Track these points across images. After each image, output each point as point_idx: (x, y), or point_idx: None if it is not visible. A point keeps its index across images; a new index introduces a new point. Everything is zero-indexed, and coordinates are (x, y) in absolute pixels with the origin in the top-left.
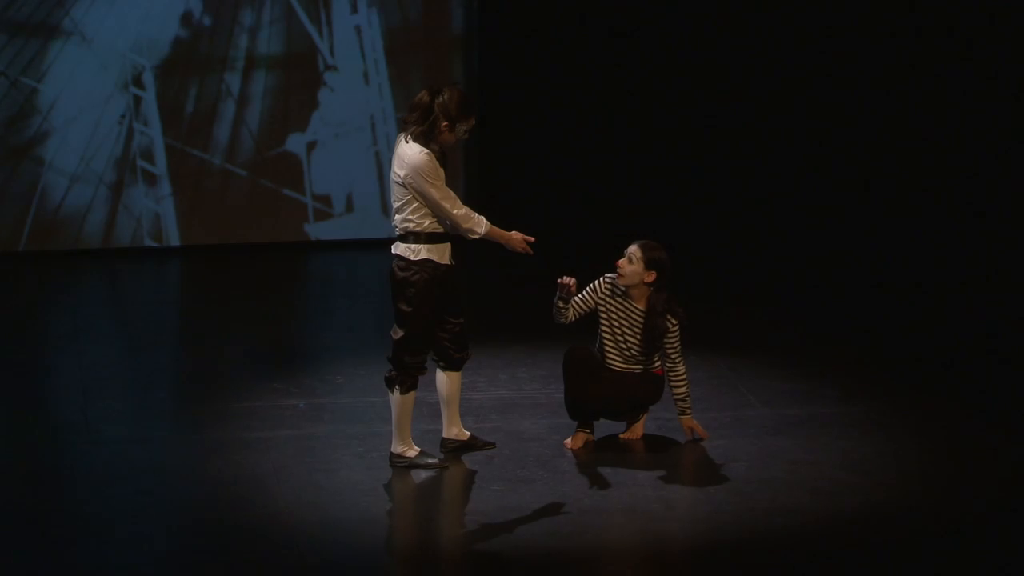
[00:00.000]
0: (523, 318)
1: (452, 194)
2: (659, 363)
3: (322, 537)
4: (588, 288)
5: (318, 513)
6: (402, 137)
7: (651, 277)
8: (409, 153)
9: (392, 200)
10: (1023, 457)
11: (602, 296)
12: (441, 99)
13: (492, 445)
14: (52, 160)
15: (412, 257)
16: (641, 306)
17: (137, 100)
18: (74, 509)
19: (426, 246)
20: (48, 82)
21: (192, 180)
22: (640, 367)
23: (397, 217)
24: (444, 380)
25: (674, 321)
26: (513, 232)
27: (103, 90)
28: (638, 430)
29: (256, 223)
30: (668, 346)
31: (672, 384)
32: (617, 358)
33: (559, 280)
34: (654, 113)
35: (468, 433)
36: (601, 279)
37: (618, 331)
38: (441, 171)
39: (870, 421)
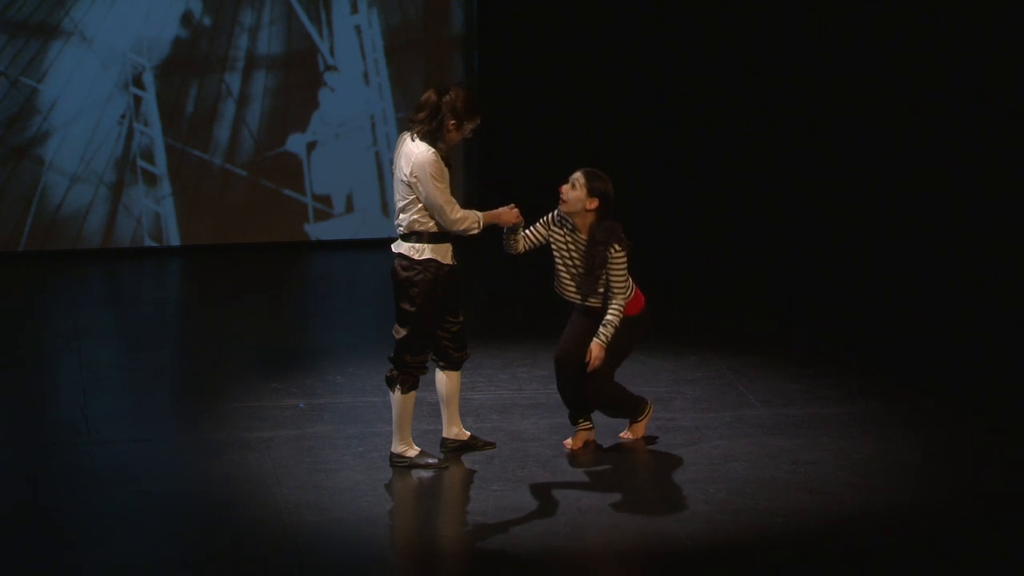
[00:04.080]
0: (523, 318)
1: (453, 200)
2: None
3: (322, 537)
4: (540, 221)
5: (318, 513)
6: (407, 136)
7: (593, 204)
8: (416, 151)
9: (396, 199)
10: (1023, 457)
11: (553, 228)
12: (448, 98)
13: (492, 445)
14: (52, 160)
15: (416, 257)
16: (585, 236)
17: (137, 100)
18: (74, 509)
19: (430, 246)
20: (48, 82)
21: (192, 180)
22: (600, 298)
23: (402, 216)
24: (443, 380)
25: (618, 248)
26: (500, 210)
27: (103, 90)
28: (638, 430)
29: (256, 223)
30: (612, 276)
31: (608, 311)
32: (572, 288)
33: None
34: (655, 112)
35: (468, 433)
36: (554, 212)
37: (568, 261)
38: (446, 171)
39: (870, 421)
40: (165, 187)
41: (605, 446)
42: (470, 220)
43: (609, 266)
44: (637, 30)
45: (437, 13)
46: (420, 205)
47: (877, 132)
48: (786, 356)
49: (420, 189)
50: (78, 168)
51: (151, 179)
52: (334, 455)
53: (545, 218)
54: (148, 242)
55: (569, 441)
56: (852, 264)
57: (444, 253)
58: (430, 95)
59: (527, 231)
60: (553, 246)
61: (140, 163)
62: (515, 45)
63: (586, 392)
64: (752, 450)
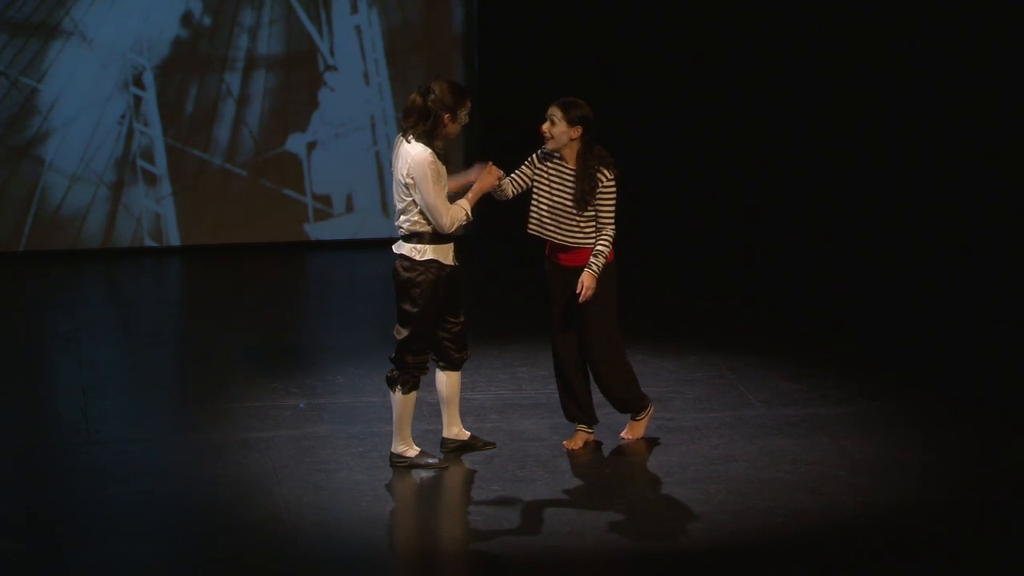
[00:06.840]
0: (523, 318)
1: (447, 204)
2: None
3: (322, 537)
4: (524, 163)
5: (318, 513)
6: (401, 138)
7: (577, 132)
8: (412, 152)
9: (396, 201)
10: (1023, 457)
11: (538, 166)
12: (433, 96)
13: (492, 445)
14: (52, 160)
15: (418, 257)
16: (573, 165)
17: (137, 100)
18: (74, 509)
19: (431, 246)
20: (48, 82)
21: (192, 180)
22: (577, 237)
23: (402, 218)
24: (444, 380)
25: (609, 175)
26: (480, 180)
27: (103, 90)
28: (638, 430)
29: (256, 223)
30: (601, 203)
31: (597, 241)
32: (550, 224)
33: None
34: (655, 110)
35: (468, 433)
36: (536, 152)
37: (554, 196)
38: (443, 169)
39: (870, 421)
40: (165, 187)
41: (604, 446)
42: (459, 218)
43: (599, 193)
44: (637, 29)
45: (437, 13)
46: (419, 207)
47: (880, 130)
48: (786, 356)
49: (416, 190)
50: (78, 168)
51: (151, 179)
52: (334, 455)
53: (529, 159)
54: (148, 242)
55: (569, 441)
56: (853, 264)
57: (446, 254)
58: (415, 98)
59: (512, 176)
60: (537, 183)
61: (140, 163)
62: (515, 45)
63: (603, 371)
64: (752, 450)
